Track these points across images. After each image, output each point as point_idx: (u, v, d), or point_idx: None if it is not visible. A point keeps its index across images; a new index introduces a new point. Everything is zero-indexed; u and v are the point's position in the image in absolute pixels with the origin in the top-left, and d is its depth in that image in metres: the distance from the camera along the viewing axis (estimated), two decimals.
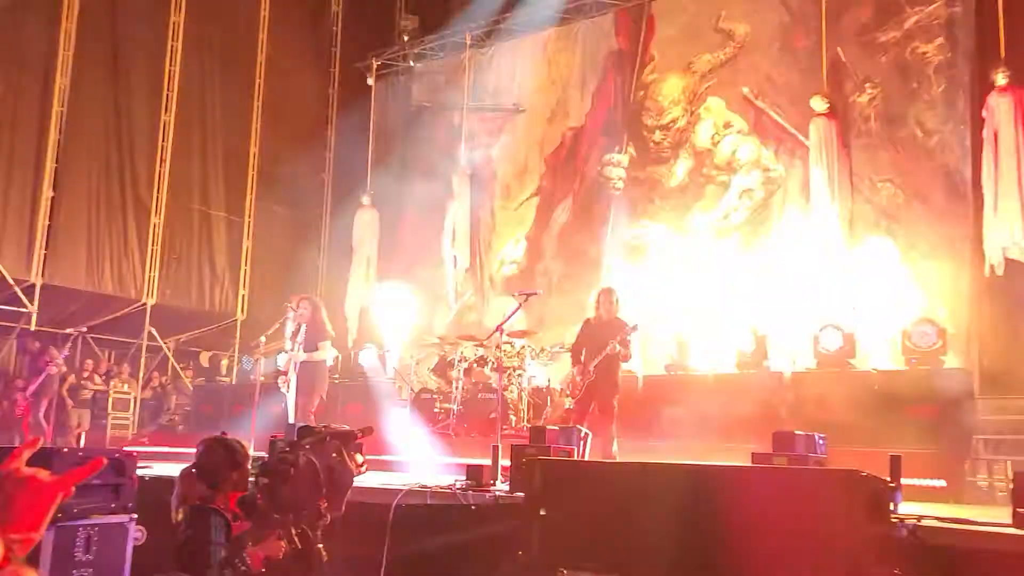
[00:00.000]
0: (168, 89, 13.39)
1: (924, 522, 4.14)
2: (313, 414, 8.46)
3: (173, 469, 7.79)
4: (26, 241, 11.79)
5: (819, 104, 9.97)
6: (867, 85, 9.98)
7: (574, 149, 12.51)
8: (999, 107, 8.79)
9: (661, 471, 3.75)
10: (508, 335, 8.47)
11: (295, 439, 4.13)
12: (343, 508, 4.01)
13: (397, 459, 8.33)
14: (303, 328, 8.45)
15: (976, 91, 9.25)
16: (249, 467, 4.29)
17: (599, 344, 7.29)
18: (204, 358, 12.10)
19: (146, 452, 8.90)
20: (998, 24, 8.92)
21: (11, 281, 11.34)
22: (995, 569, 3.83)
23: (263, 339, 9.06)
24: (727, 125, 11.18)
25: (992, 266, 8.61)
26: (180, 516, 3.86)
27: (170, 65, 13.44)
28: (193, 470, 3.94)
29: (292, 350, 8.49)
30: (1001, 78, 8.82)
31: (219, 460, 3.93)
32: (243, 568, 3.73)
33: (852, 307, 9.28)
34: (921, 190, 9.59)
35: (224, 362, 12.81)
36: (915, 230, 9.60)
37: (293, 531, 3.89)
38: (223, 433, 4.32)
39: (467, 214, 13.13)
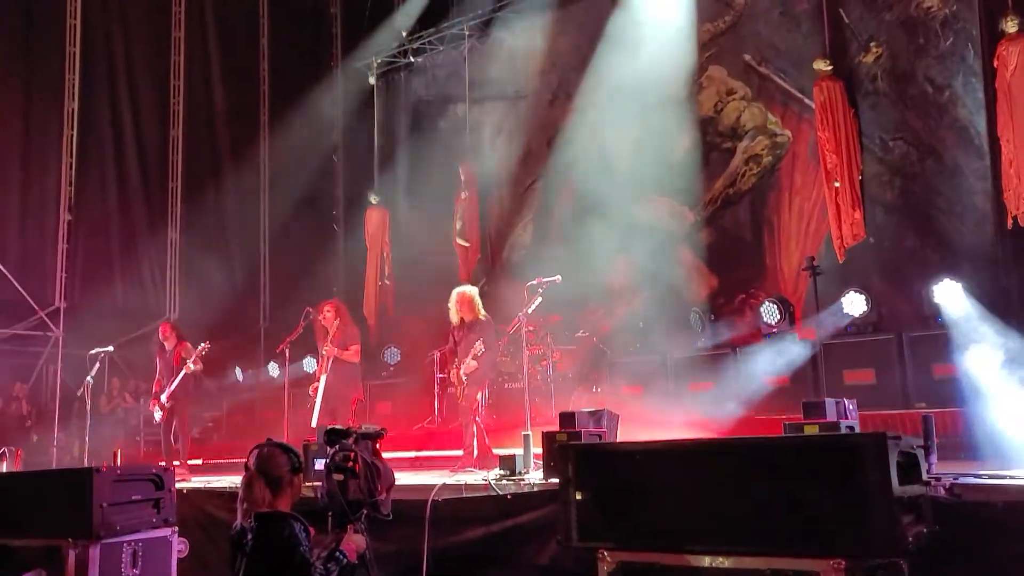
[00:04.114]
0: (174, 103, 13.49)
1: (961, 479, 4.14)
2: (353, 415, 8.53)
3: (209, 481, 7.93)
4: (47, 266, 11.94)
5: (822, 66, 9.88)
6: (872, 44, 9.87)
7: (576, 130, 12.45)
8: (1011, 55, 8.65)
9: (692, 447, 3.77)
10: (530, 322, 8.52)
11: (330, 439, 4.19)
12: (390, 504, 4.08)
13: (430, 455, 8.42)
14: (330, 333, 8.54)
15: (985, 42, 9.11)
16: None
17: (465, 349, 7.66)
18: (237, 373, 12.21)
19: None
20: None
21: (35, 307, 11.49)
22: None
23: (286, 345, 9.11)
24: (730, 92, 11.12)
25: (1015, 218, 8.50)
26: (247, 524, 3.85)
27: (174, 80, 13.54)
28: (261, 477, 3.94)
29: (323, 354, 8.57)
30: (1011, 25, 8.67)
31: (283, 465, 3.96)
32: (345, 561, 3.80)
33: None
34: (935, 146, 9.49)
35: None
36: (932, 186, 9.51)
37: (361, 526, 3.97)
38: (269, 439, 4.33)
39: (475, 202, 13.16)
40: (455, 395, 7.90)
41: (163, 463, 8.96)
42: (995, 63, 8.71)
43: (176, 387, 9.07)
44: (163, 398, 9.15)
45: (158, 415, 9.23)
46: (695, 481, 3.52)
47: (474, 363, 7.48)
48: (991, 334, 7.26)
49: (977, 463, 6.06)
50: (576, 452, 3.88)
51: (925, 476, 3.54)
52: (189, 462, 9.27)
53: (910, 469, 3.36)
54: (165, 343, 9.40)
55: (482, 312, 7.82)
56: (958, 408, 6.98)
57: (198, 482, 7.80)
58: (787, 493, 3.25)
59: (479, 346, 7.47)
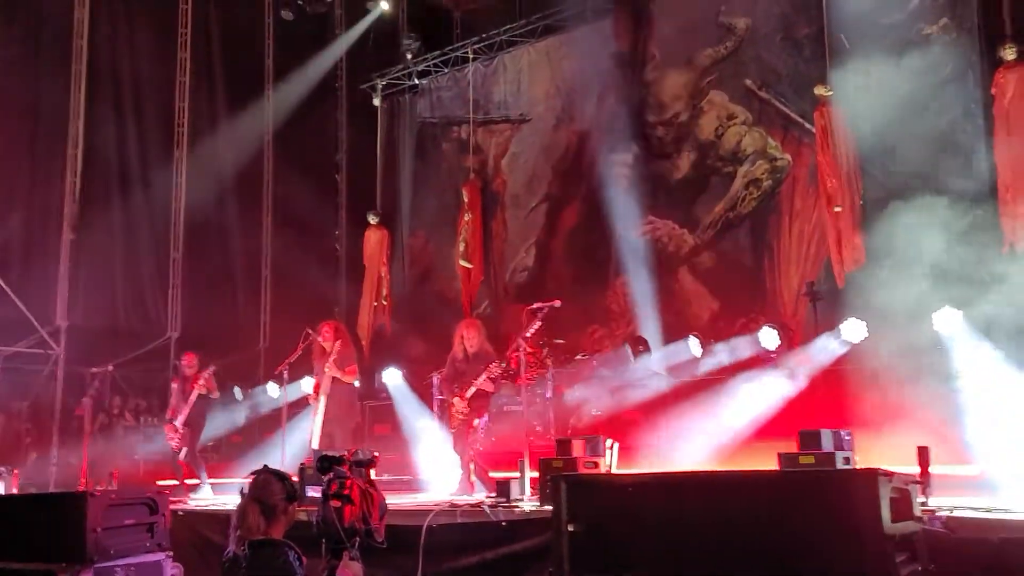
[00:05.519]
0: (179, 124, 13.56)
1: (956, 513, 4.11)
2: (351, 438, 8.53)
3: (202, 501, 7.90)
4: (49, 284, 11.97)
5: (823, 91, 9.92)
6: (872, 70, 9.90)
7: (580, 153, 12.54)
8: (1008, 83, 8.70)
9: (684, 480, 3.75)
10: (530, 345, 8.52)
11: (323, 466, 4.18)
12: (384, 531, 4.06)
13: (425, 479, 8.39)
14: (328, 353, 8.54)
15: (985, 69, 9.16)
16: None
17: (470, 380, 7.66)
18: (238, 392, 12.16)
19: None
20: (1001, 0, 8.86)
21: (37, 325, 11.51)
22: None
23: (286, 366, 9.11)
24: (731, 117, 11.17)
25: (1011, 244, 8.51)
26: (240, 552, 3.82)
27: (179, 100, 13.61)
28: (256, 504, 3.92)
29: (321, 375, 8.57)
30: (1009, 53, 8.74)
31: (278, 493, 3.96)
32: None
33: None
34: (936, 172, 9.49)
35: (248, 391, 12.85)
36: (933, 211, 9.50)
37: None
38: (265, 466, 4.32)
39: (479, 224, 13.20)
40: (452, 423, 7.88)
41: (174, 481, 9.04)
42: (993, 91, 8.75)
43: (191, 412, 9.15)
44: (178, 423, 9.18)
45: (173, 443, 9.23)
46: (687, 514, 3.50)
47: (488, 385, 7.54)
48: (991, 360, 7.25)
49: (977, 492, 6.02)
50: (568, 483, 3.87)
51: (919, 512, 3.51)
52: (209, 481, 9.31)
53: (904, 505, 3.33)
54: (187, 371, 9.45)
55: (486, 343, 7.89)
56: (961, 436, 6.95)
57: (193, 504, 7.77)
58: (778, 529, 3.23)
59: (493, 367, 7.54)
